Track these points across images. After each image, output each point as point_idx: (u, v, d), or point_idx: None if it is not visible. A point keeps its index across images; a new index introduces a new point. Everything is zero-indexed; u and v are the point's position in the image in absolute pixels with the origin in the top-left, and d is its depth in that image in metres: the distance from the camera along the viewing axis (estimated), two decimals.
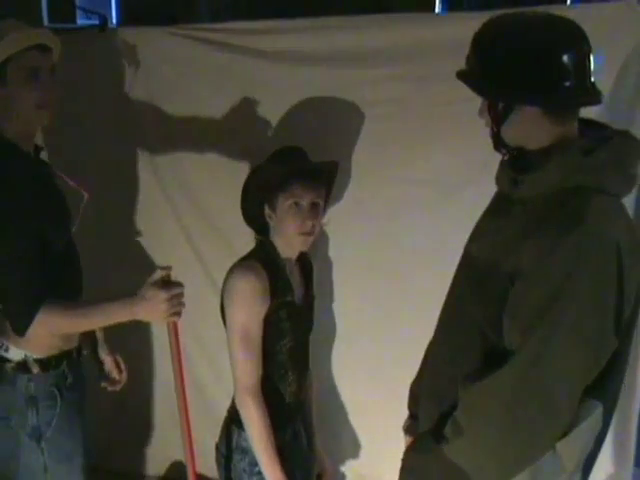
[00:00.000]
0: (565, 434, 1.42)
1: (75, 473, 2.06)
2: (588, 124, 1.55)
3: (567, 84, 1.42)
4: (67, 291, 1.98)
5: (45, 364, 1.97)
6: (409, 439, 1.84)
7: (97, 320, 1.92)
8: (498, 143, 1.54)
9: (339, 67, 2.43)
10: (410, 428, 1.84)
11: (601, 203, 1.40)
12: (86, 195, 2.14)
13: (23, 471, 2.00)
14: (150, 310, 1.85)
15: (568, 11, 1.92)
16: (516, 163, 1.55)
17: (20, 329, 1.82)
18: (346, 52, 2.41)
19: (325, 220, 2.32)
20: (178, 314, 1.90)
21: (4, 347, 1.96)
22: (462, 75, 1.53)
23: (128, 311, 1.87)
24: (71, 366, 2.05)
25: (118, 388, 2.36)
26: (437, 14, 4.23)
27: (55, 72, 1.95)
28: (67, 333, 2.00)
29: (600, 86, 1.49)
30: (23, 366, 1.95)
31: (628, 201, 2.18)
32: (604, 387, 1.45)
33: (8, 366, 1.95)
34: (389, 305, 2.55)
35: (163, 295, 1.83)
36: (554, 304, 1.36)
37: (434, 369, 1.72)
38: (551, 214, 1.41)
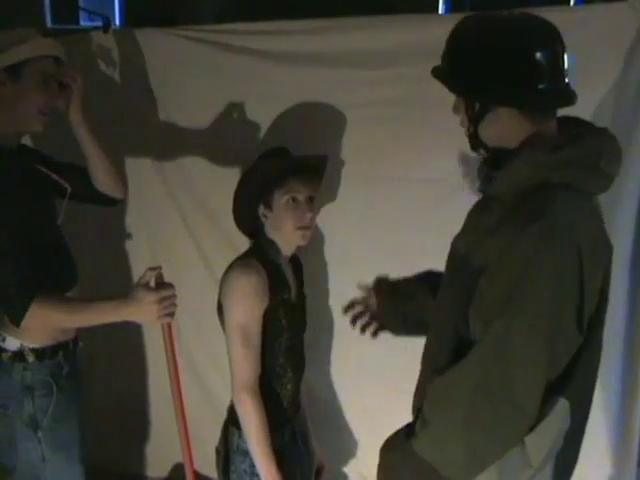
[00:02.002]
0: (531, 429, 1.42)
1: (73, 463, 2.07)
2: (572, 122, 1.56)
3: (542, 85, 1.43)
4: (58, 283, 2.01)
5: (41, 354, 2.00)
6: None
7: (88, 318, 1.92)
8: (475, 143, 1.54)
9: (342, 68, 2.43)
10: None
11: (565, 199, 1.40)
12: (69, 188, 2.14)
13: (21, 460, 2.02)
14: (140, 311, 1.87)
15: (571, 11, 1.92)
16: (492, 160, 1.56)
17: (15, 320, 1.84)
18: (349, 53, 2.41)
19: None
20: (170, 315, 1.91)
21: (1, 337, 1.99)
22: (438, 73, 1.54)
23: (119, 312, 1.89)
24: (67, 357, 2.08)
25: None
26: (440, 15, 4.23)
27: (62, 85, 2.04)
28: (59, 327, 2.01)
29: (576, 86, 1.50)
30: (19, 355, 1.98)
31: (633, 202, 2.19)
32: (568, 383, 1.45)
33: (4, 355, 1.99)
34: None
35: (153, 297, 1.85)
36: (512, 298, 1.36)
37: (422, 363, 1.73)
38: (513, 210, 1.42)
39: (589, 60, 2.10)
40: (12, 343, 1.98)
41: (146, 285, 1.87)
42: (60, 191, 2.14)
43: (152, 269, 1.89)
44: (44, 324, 1.93)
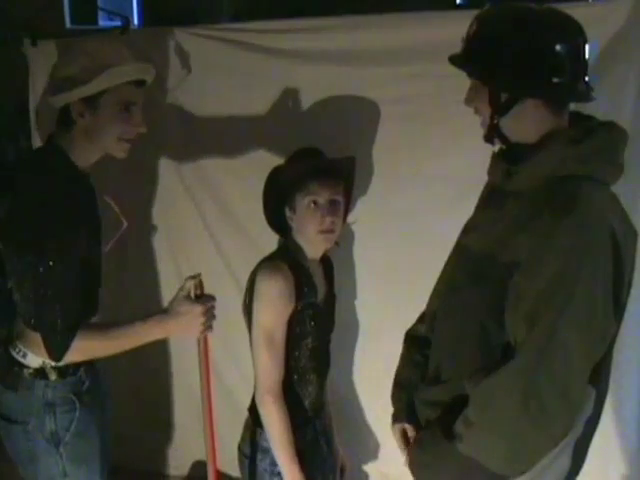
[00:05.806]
0: None
1: (94, 476, 2.02)
2: (575, 115, 1.57)
3: (566, 78, 1.45)
4: (91, 307, 1.95)
5: (63, 371, 1.91)
6: (399, 426, 1.81)
7: (131, 341, 1.86)
8: (494, 134, 1.54)
9: (359, 66, 2.43)
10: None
11: (591, 190, 1.42)
12: (125, 224, 2.10)
13: (43, 475, 1.97)
14: (186, 325, 1.82)
15: (574, 8, 1.91)
16: (509, 155, 1.56)
17: (56, 358, 1.79)
18: (366, 51, 2.41)
19: (352, 219, 2.32)
20: (211, 327, 1.88)
21: (21, 353, 1.91)
22: (464, 64, 1.53)
23: (163, 329, 1.85)
24: (88, 372, 1.99)
25: None
26: (457, 11, 4.21)
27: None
28: (103, 356, 1.93)
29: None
30: (41, 372, 1.90)
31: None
32: (598, 372, 1.45)
33: (26, 372, 1.90)
34: (412, 304, 2.52)
35: (199, 309, 1.80)
36: (557, 290, 1.36)
37: (434, 359, 1.71)
38: (544, 204, 1.42)
39: (610, 54, 2.11)
40: (33, 360, 1.89)
41: (188, 297, 1.81)
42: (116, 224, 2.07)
43: (192, 277, 1.82)
44: (86, 357, 1.87)
